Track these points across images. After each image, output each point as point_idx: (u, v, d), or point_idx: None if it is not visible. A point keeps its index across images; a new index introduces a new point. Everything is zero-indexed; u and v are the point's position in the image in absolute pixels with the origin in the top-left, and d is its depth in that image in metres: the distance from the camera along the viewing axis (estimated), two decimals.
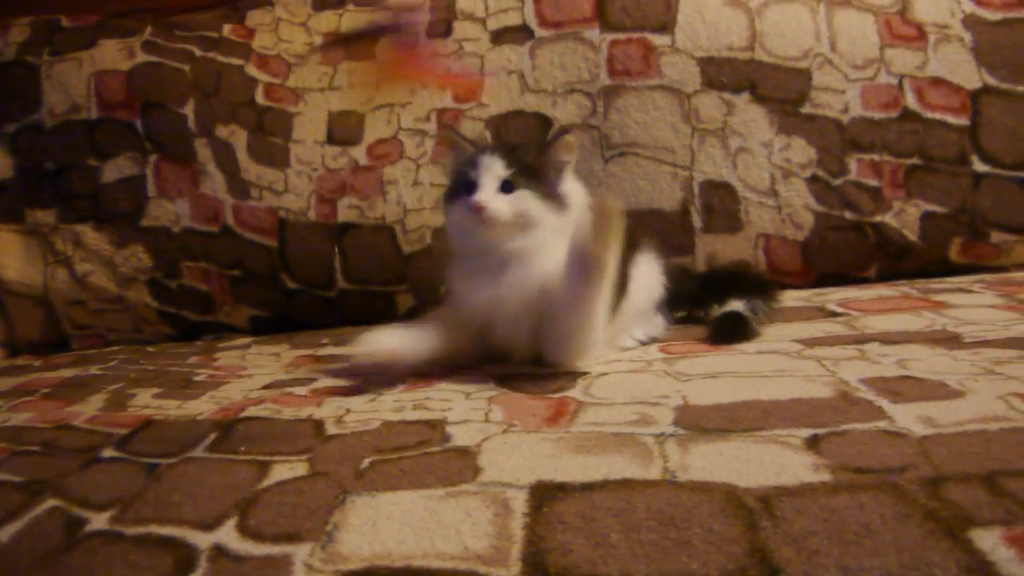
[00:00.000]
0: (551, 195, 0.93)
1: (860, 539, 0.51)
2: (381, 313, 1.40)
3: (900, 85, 1.32)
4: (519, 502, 0.58)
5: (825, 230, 1.31)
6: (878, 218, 1.31)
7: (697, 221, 1.32)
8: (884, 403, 0.70)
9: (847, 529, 0.52)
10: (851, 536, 0.51)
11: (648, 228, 1.31)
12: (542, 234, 0.92)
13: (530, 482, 0.61)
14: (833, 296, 1.22)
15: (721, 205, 1.32)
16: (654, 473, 0.60)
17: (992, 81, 1.32)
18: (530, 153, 0.95)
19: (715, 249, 1.33)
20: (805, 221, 1.31)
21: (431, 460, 0.67)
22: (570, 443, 0.68)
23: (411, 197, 1.38)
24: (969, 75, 1.32)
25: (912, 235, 1.30)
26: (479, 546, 0.54)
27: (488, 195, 0.91)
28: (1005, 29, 1.33)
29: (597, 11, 1.39)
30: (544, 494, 0.59)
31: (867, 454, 0.61)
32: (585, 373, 0.89)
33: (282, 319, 1.42)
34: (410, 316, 1.40)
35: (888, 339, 0.92)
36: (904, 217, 1.30)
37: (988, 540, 0.49)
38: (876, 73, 1.33)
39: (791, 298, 1.24)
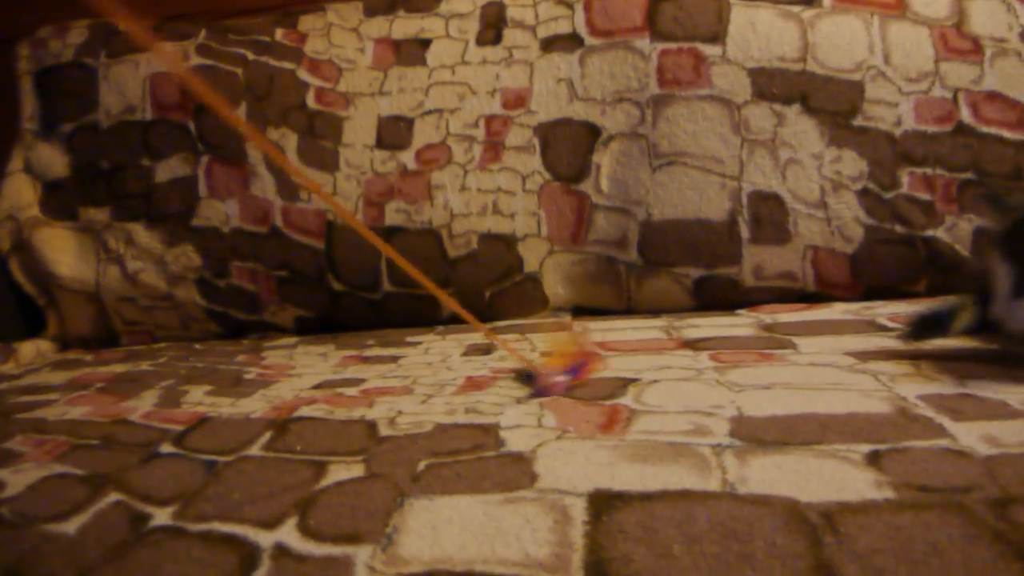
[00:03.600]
0: None
1: (928, 559, 0.50)
2: (425, 317, 1.41)
3: (955, 99, 1.31)
4: (578, 510, 0.59)
5: (875, 243, 1.30)
6: (930, 232, 1.29)
7: (745, 232, 1.32)
8: (945, 421, 0.69)
9: (914, 548, 0.51)
10: (918, 555, 0.51)
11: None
12: None
13: (588, 490, 0.61)
14: (883, 310, 1.20)
15: (769, 216, 1.31)
16: (713, 485, 0.60)
17: None
18: None
19: (762, 260, 1.32)
20: (855, 234, 1.30)
21: (487, 465, 0.68)
22: (625, 451, 0.68)
23: (458, 202, 1.39)
24: None
25: (964, 250, 1.29)
26: (540, 553, 0.54)
27: None
28: None
29: (647, 20, 1.39)
30: (603, 503, 0.59)
31: (931, 472, 0.60)
32: (636, 380, 0.89)
33: (327, 320, 1.43)
34: (454, 320, 1.40)
35: (944, 357, 0.91)
36: (956, 232, 1.29)
37: None
38: (930, 87, 1.31)
39: (840, 311, 1.23)
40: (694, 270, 1.34)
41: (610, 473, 0.64)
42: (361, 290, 1.40)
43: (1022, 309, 0.84)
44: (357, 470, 0.69)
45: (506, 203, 1.39)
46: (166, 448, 0.78)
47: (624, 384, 0.88)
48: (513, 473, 0.65)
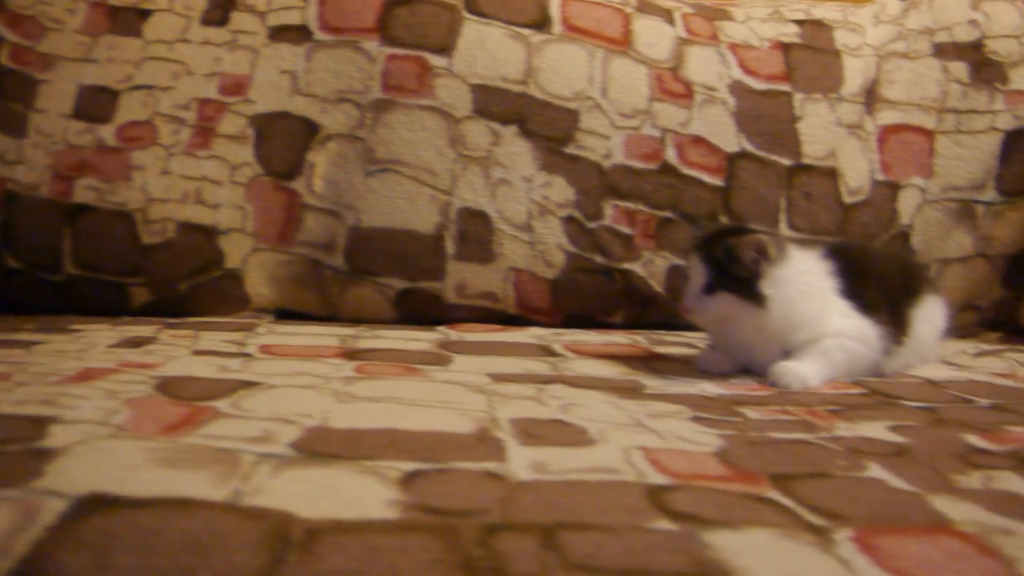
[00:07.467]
0: None
1: None
2: (113, 305, 1.31)
3: (663, 139, 1.34)
4: (49, 513, 0.52)
5: (575, 271, 1.32)
6: (627, 265, 1.32)
7: (450, 247, 1.30)
8: (513, 445, 0.68)
9: (373, 572, 0.48)
10: None
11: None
12: None
13: (82, 492, 0.55)
14: (567, 338, 1.21)
15: (476, 234, 1.30)
16: (220, 495, 0.55)
17: (749, 147, 1.36)
18: None
19: (465, 277, 1.30)
20: (557, 260, 1.31)
21: (4, 460, 0.61)
22: (164, 455, 0.62)
23: (158, 186, 1.30)
24: (729, 138, 1.36)
25: (657, 286, 1.32)
26: None
27: None
28: (767, 99, 1.38)
29: (379, 23, 1.35)
30: (88, 507, 0.53)
31: (453, 495, 0.58)
32: (255, 383, 0.84)
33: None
34: (145, 312, 1.31)
35: (573, 383, 0.92)
36: (651, 268, 1.32)
37: None
38: (642, 124, 1.34)
39: (530, 335, 1.24)
40: (398, 281, 1.31)
41: (125, 477, 0.58)
42: (40, 270, 1.29)
43: (709, 302, 0.98)
44: None
45: (211, 193, 1.31)
46: None
47: (238, 387, 0.83)
48: (23, 470, 0.59)
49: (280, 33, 1.37)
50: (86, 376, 0.85)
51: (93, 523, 0.52)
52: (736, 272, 0.97)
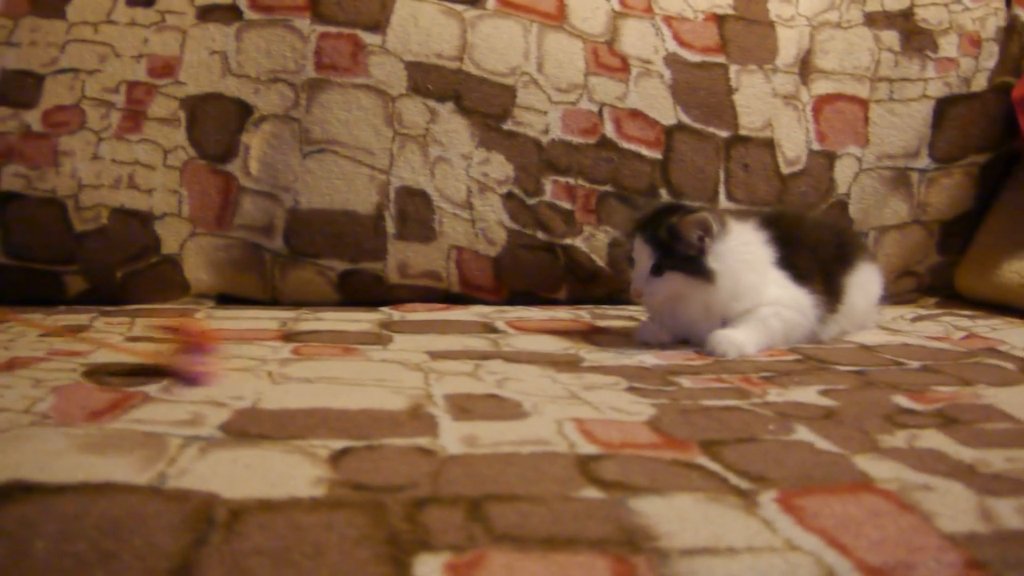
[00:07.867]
0: None
1: (303, 560, 0.47)
2: (47, 295, 1.28)
3: (600, 113, 1.34)
4: None
5: (517, 248, 1.31)
6: (568, 241, 1.32)
7: (391, 227, 1.29)
8: (446, 420, 0.68)
9: (297, 550, 0.48)
10: (297, 557, 0.47)
11: None
12: None
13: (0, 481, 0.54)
14: (510, 315, 1.22)
15: (416, 213, 1.30)
16: (144, 479, 0.55)
17: (686, 119, 1.36)
18: None
19: (407, 257, 1.30)
20: (498, 237, 1.31)
21: None
22: (88, 441, 0.61)
23: (88, 172, 1.26)
24: (665, 111, 1.36)
25: (600, 260, 1.33)
26: None
27: None
28: (703, 71, 1.38)
29: (311, 0, 1.33)
30: (5, 495, 0.52)
31: (382, 471, 0.58)
32: None
33: None
34: (81, 300, 1.28)
35: (512, 358, 0.92)
36: (593, 242, 1.33)
37: (429, 567, 0.46)
38: (578, 98, 1.34)
39: (473, 313, 1.24)
40: (339, 263, 1.30)
41: (44, 464, 0.57)
42: None
43: (659, 283, 0.98)
44: None
45: (144, 178, 1.28)
46: None
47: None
48: None
49: (209, 13, 1.33)
50: (11, 365, 0.84)
51: (10, 511, 0.51)
52: (682, 251, 0.97)
